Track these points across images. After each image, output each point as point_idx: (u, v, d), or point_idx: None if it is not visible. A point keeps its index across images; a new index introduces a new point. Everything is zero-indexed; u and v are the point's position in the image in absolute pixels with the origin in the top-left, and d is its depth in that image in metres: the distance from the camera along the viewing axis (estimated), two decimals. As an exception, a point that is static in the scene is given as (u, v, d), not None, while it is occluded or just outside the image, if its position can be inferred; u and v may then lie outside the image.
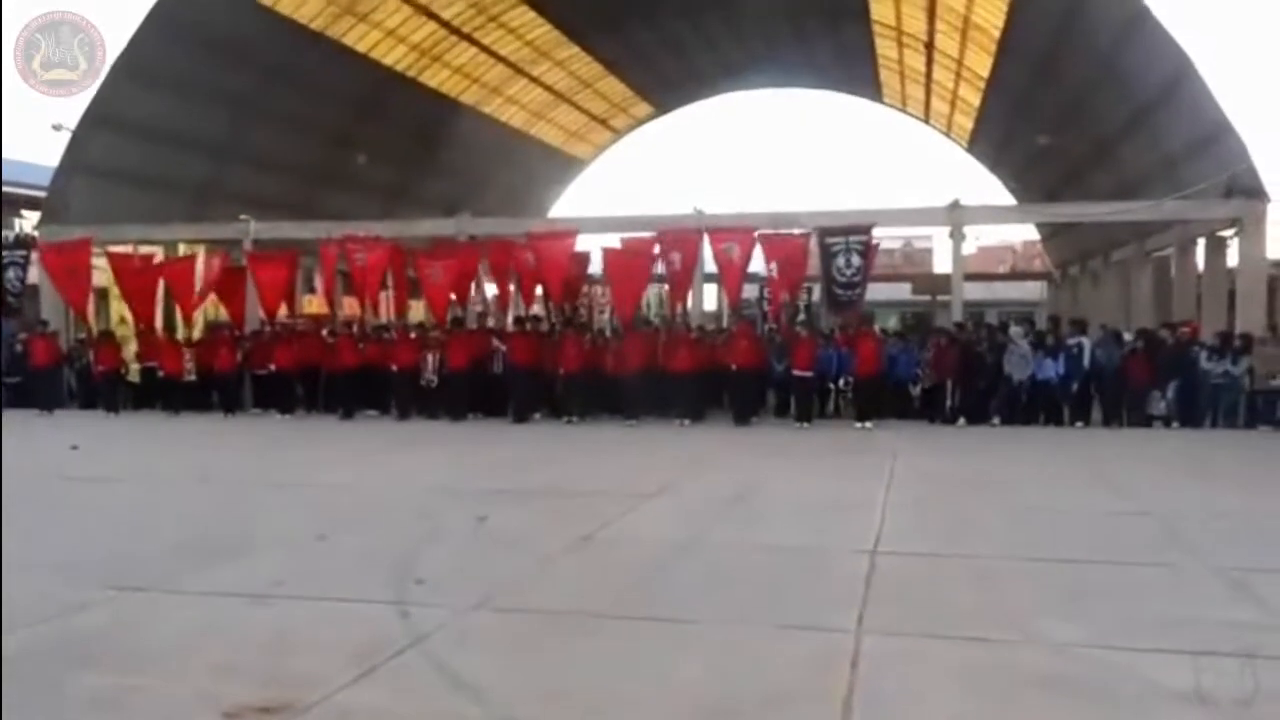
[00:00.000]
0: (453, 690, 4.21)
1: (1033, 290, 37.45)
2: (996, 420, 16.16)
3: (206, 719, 3.87)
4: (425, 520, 7.95)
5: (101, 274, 20.78)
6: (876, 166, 67.87)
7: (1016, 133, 27.11)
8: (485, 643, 4.90)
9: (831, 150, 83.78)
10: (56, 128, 21.97)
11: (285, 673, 4.40)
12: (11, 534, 7.48)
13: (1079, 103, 22.05)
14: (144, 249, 22.56)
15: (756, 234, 17.96)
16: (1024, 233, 35.98)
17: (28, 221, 27.49)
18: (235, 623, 5.21)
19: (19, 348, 19.28)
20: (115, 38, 19.21)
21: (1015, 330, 17.11)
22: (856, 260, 17.51)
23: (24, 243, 22.02)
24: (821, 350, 16.72)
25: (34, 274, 21.21)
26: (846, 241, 17.57)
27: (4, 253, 21.34)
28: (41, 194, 22.86)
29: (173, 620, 5.25)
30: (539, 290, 19.79)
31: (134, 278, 20.13)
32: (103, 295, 21.10)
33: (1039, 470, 11.29)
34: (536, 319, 19.15)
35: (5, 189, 27.21)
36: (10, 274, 20.96)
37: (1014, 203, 29.84)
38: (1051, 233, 31.33)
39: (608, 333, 18.65)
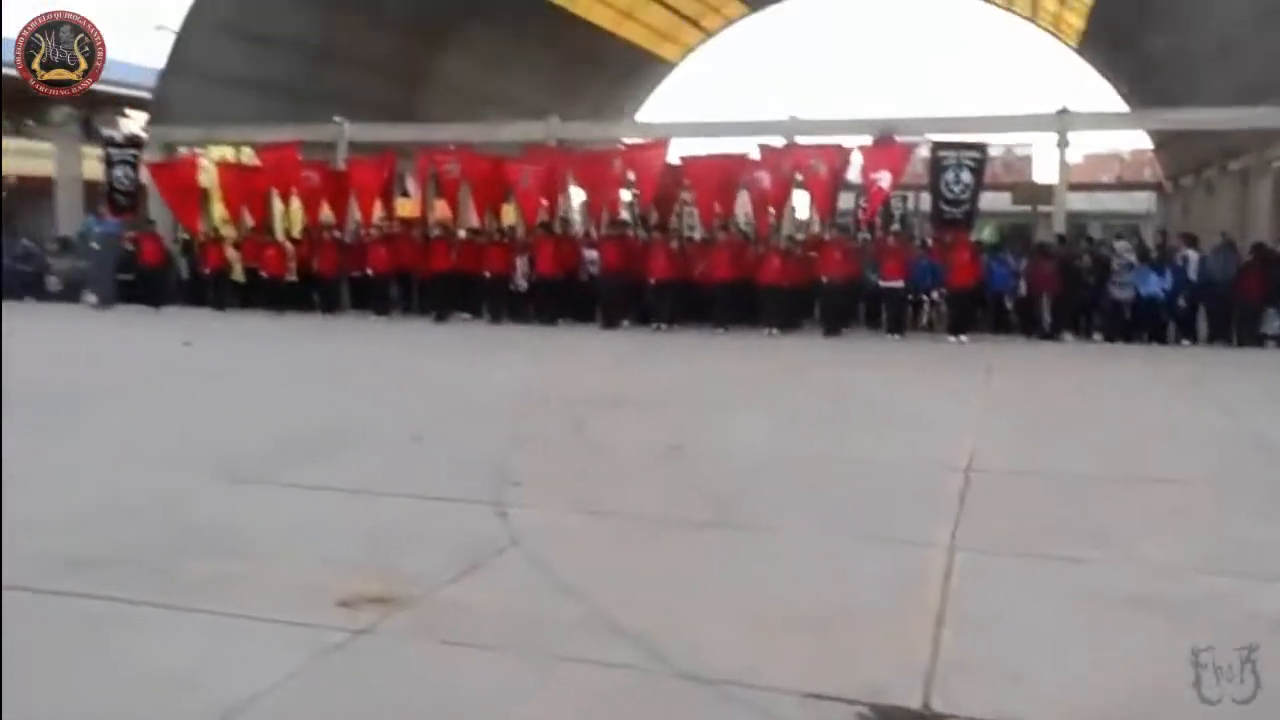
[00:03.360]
0: (551, 589, 4.36)
1: (1141, 201, 35.77)
2: (1098, 336, 15.73)
3: (321, 607, 4.07)
4: (518, 423, 8.13)
5: (204, 175, 21.20)
6: (979, 69, 65.06)
7: (1132, 34, 25.64)
8: (580, 545, 5.04)
9: (933, 52, 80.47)
10: (160, 29, 22.33)
11: (392, 567, 4.59)
12: (127, 424, 7.92)
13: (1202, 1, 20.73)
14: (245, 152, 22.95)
15: (851, 149, 17.55)
16: (1134, 141, 34.28)
17: (134, 121, 28.08)
18: (339, 517, 5.44)
19: (129, 246, 19.97)
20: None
21: (1120, 244, 16.49)
22: (967, 176, 16.90)
23: (133, 142, 22.37)
24: (914, 260, 16.38)
25: (143, 174, 21.73)
26: (959, 156, 16.99)
27: (112, 150, 21.79)
28: (146, 94, 23.30)
29: (280, 513, 5.51)
30: (628, 198, 19.63)
31: (241, 182, 20.52)
32: (205, 197, 21.58)
33: (1138, 389, 11.01)
34: (625, 224, 19.02)
35: (110, 89, 27.74)
36: (118, 172, 21.40)
37: (1125, 109, 28.40)
38: (1164, 141, 29.81)
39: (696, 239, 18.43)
